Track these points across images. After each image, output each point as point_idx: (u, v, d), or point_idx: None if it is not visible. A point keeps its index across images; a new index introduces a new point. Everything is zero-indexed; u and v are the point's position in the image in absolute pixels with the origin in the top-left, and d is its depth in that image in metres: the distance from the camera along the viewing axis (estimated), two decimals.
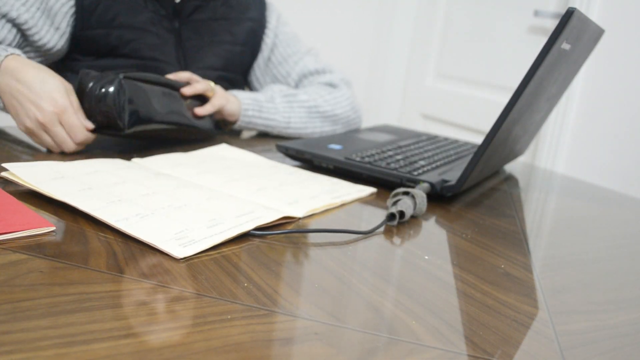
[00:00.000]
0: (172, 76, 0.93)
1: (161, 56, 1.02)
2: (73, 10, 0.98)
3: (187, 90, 0.91)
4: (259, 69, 1.18)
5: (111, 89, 0.76)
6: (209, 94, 0.95)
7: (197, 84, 0.93)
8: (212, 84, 0.97)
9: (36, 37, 0.95)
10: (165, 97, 0.86)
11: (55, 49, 0.99)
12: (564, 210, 0.85)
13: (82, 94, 0.77)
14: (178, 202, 0.59)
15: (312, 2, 2.19)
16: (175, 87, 0.90)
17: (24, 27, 0.92)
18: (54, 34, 0.98)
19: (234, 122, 1.02)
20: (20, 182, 0.59)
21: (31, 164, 0.64)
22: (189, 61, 1.05)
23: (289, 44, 1.19)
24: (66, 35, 0.99)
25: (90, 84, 0.76)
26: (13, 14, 0.91)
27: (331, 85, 1.16)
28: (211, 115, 0.96)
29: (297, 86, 1.18)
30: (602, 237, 0.72)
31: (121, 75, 0.77)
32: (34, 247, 0.47)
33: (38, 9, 0.95)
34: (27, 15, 0.92)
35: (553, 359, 0.41)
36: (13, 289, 0.40)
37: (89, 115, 0.77)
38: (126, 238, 0.51)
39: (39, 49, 0.98)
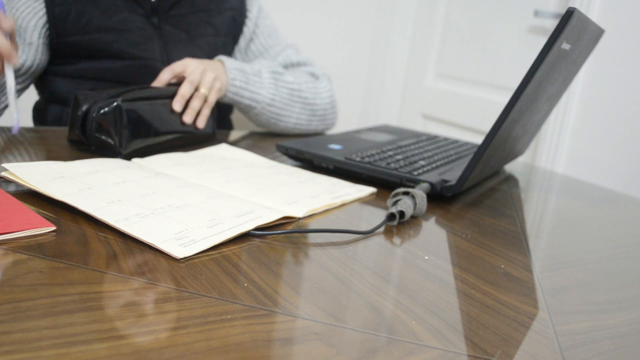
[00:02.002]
0: (157, 83, 0.91)
1: (144, 54, 1.01)
2: (44, 20, 0.97)
3: (176, 106, 0.88)
4: (239, 54, 1.17)
5: (108, 114, 0.76)
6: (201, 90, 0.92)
7: (182, 91, 0.89)
8: (192, 72, 0.91)
9: (24, 67, 0.96)
10: (162, 110, 0.86)
11: (34, 66, 0.99)
12: (564, 210, 0.85)
13: (77, 116, 0.76)
14: (178, 202, 0.59)
15: (312, 2, 2.18)
16: (171, 95, 0.88)
17: None
18: (29, 50, 0.97)
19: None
20: (20, 182, 0.59)
21: (31, 164, 0.64)
22: (172, 56, 1.04)
23: (270, 35, 1.18)
24: (41, 47, 0.98)
25: (85, 107, 0.76)
26: None
27: (314, 75, 1.16)
28: (212, 115, 0.96)
29: None
30: (602, 237, 0.72)
31: (119, 100, 0.76)
32: (34, 247, 0.47)
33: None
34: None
35: (553, 359, 0.41)
36: (13, 289, 0.40)
37: (86, 137, 0.77)
38: (126, 238, 0.51)
39: (18, 70, 0.97)
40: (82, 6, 0.98)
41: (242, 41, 1.16)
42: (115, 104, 0.76)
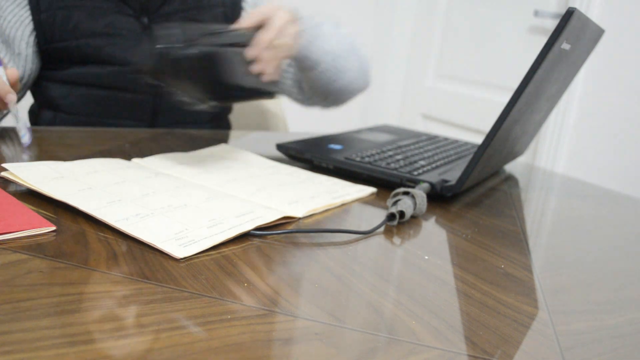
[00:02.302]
0: (238, 26, 0.82)
1: (133, 57, 0.99)
2: (30, 28, 0.96)
3: (251, 53, 0.79)
4: None
5: (188, 54, 0.71)
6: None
7: (263, 39, 0.79)
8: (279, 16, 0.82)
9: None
10: (235, 59, 0.78)
11: (25, 76, 0.98)
12: (564, 210, 0.85)
13: (151, 53, 0.72)
14: (178, 202, 0.59)
15: (312, 2, 2.18)
16: (248, 42, 0.80)
17: None
18: (19, 61, 0.96)
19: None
20: (20, 182, 0.59)
21: (31, 164, 0.64)
22: None
23: None
24: (31, 57, 0.97)
25: (160, 46, 0.71)
26: None
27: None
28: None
29: None
30: (602, 237, 0.72)
31: (195, 48, 0.71)
32: (34, 247, 0.47)
33: (4, 52, 0.94)
34: None
35: (553, 359, 0.41)
36: (13, 289, 0.40)
37: (156, 76, 0.73)
38: (126, 238, 0.51)
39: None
40: (67, 11, 0.96)
41: None
42: (190, 51, 0.72)
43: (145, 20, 1.01)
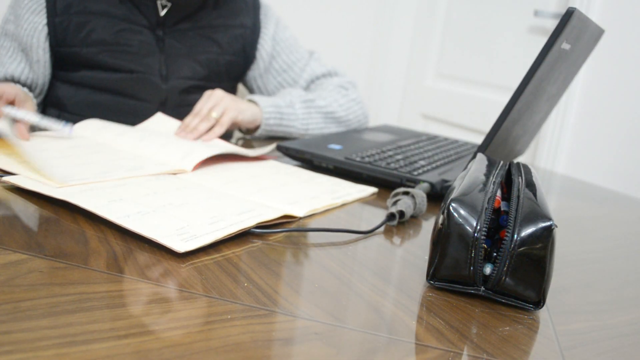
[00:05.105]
0: (183, 128, 0.93)
1: (142, 68, 1.01)
2: (45, 33, 0.98)
3: (177, 132, 0.91)
4: (260, 78, 1.16)
5: None
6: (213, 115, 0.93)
7: (186, 121, 0.92)
8: (207, 103, 0.93)
9: (33, 85, 1.00)
10: None
11: (46, 82, 1.03)
12: (564, 210, 0.85)
13: None
14: (179, 201, 0.59)
15: (312, 2, 2.18)
16: None
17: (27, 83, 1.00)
18: (38, 68, 0.99)
19: (254, 129, 1.01)
20: (22, 187, 0.59)
21: (30, 179, 0.64)
22: (170, 70, 1.04)
23: (292, 50, 1.16)
24: (47, 62, 1.00)
25: None
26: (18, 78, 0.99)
27: (342, 87, 1.15)
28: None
29: (306, 90, 1.17)
30: (602, 237, 0.72)
31: None
32: (34, 247, 0.47)
33: (21, 60, 0.98)
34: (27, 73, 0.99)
35: (553, 359, 0.41)
36: (13, 289, 0.40)
37: None
38: (126, 238, 0.51)
39: (34, 88, 1.01)
40: (83, 17, 0.98)
41: (261, 62, 1.14)
42: None
43: (160, 33, 1.03)
